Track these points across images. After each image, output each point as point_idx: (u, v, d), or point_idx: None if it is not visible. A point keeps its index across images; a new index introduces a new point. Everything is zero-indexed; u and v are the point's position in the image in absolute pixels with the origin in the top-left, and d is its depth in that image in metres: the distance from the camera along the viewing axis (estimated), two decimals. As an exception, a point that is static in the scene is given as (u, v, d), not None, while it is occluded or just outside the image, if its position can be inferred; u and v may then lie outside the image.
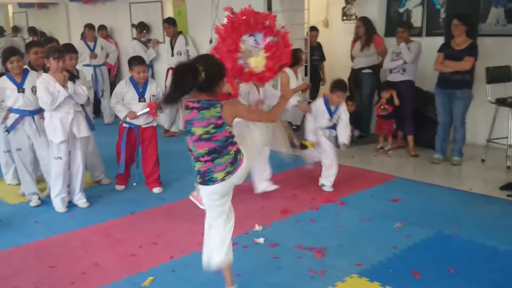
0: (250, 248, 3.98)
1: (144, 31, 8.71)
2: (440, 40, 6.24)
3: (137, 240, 4.18)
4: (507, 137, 5.85)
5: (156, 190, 5.35)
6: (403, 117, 6.56)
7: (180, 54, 7.80)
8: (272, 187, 5.12)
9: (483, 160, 6.08)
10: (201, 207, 4.30)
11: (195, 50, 7.84)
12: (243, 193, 5.24)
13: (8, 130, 4.94)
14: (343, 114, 5.22)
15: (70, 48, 5.28)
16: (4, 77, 4.89)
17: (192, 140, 2.91)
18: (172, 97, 2.84)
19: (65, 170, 4.83)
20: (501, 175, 5.57)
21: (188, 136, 2.95)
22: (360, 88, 7.24)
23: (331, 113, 5.20)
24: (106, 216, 4.73)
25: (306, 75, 7.50)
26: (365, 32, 7.01)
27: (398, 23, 6.96)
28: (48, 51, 4.68)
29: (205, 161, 2.92)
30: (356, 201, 4.92)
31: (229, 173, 2.94)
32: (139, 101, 5.14)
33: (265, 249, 3.95)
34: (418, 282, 3.40)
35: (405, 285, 3.34)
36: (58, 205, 4.88)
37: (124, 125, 5.22)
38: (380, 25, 7.44)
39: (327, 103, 5.20)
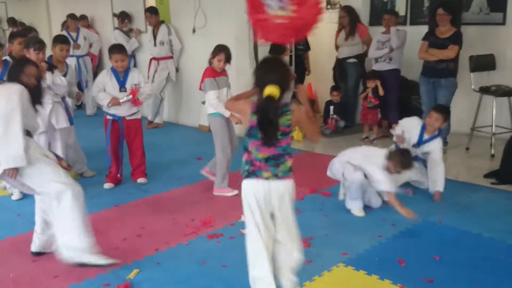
0: (236, 239, 3.95)
1: (126, 21, 8.59)
2: (424, 29, 6.25)
3: (121, 233, 4.14)
4: (491, 126, 5.89)
5: (141, 180, 5.31)
6: (388, 106, 6.57)
7: (163, 43, 7.71)
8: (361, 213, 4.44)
9: (467, 149, 6.12)
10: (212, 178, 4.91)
11: (178, 39, 7.76)
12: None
13: None
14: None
15: (61, 39, 5.18)
16: None
17: (255, 144, 2.75)
18: (272, 135, 2.70)
19: None
20: (486, 163, 5.61)
21: (250, 139, 2.77)
22: (345, 78, 7.24)
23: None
24: (90, 209, 4.60)
25: (291, 65, 7.47)
26: (349, 22, 6.99)
27: (383, 11, 6.95)
28: (28, 42, 4.61)
29: (259, 166, 2.75)
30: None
31: (277, 177, 2.76)
32: (120, 91, 5.04)
33: (251, 239, 3.93)
34: (403, 270, 3.41)
35: (391, 273, 3.34)
36: None
37: (108, 117, 5.14)
38: (364, 14, 7.44)
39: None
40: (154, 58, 7.81)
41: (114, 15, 8.93)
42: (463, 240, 3.86)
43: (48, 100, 4.64)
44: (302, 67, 7.94)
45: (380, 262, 3.53)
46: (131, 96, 5.01)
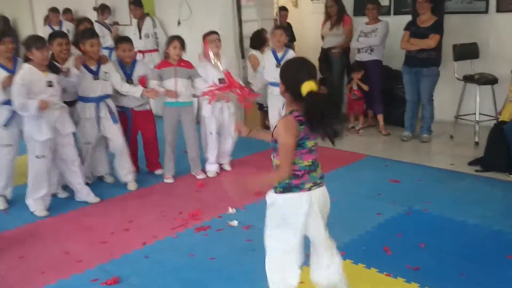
0: (224, 231, 3.97)
1: (106, 13, 8.48)
2: (408, 19, 6.27)
3: (108, 227, 4.13)
4: (475, 113, 5.94)
5: (158, 171, 5.35)
6: (372, 96, 6.60)
7: (148, 36, 7.67)
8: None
9: (451, 137, 6.18)
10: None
11: (163, 32, 7.71)
12: (214, 176, 5.25)
13: (5, 124, 4.48)
14: None
15: (90, 34, 4.85)
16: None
17: (300, 153, 2.55)
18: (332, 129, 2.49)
19: (49, 170, 4.46)
20: (470, 151, 5.67)
21: (296, 150, 2.52)
22: (330, 68, 7.25)
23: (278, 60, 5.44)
24: (77, 204, 4.65)
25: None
26: (337, 11, 7.00)
27: (367, 1, 6.96)
28: (29, 41, 4.22)
29: (302, 176, 2.57)
30: (327, 180, 4.85)
31: (316, 185, 2.63)
32: (127, 83, 5.02)
33: (239, 231, 3.95)
34: (389, 258, 3.44)
35: (377, 262, 3.38)
36: (39, 207, 4.45)
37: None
38: (348, 5, 7.43)
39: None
40: (139, 51, 7.75)
41: (94, 8, 8.81)
42: (448, 227, 3.90)
43: (54, 106, 4.33)
44: (287, 58, 7.92)
45: (366, 251, 3.57)
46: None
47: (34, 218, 4.38)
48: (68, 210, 4.52)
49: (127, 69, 5.03)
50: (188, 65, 5.09)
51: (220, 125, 5.28)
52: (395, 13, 7.12)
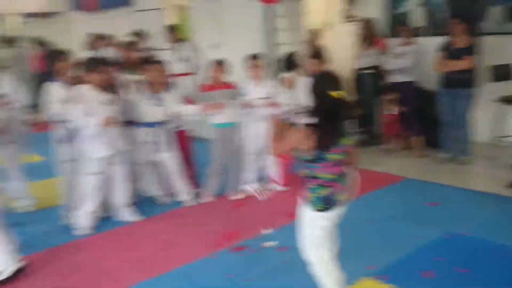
0: (260, 252, 3.98)
1: (138, 39, 8.66)
2: (441, 40, 6.24)
3: (148, 246, 4.20)
4: (512, 135, 5.84)
5: (197, 190, 5.37)
6: (408, 117, 6.55)
7: (184, 60, 7.80)
8: None
9: (490, 158, 6.07)
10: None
11: (198, 56, 7.85)
12: (248, 197, 5.26)
13: (62, 141, 4.66)
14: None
15: (153, 60, 5.04)
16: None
17: (324, 166, 2.75)
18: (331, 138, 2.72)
19: (100, 187, 4.55)
20: (509, 173, 5.54)
21: (317, 163, 2.75)
22: (361, 89, 7.24)
23: None
24: (117, 223, 4.73)
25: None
26: (369, 33, 7.02)
27: (400, 23, 6.98)
28: (87, 64, 4.43)
29: (331, 185, 2.81)
30: (364, 203, 4.88)
31: (343, 190, 2.89)
32: None
33: (275, 253, 3.96)
34: (430, 283, 3.39)
35: (419, 287, 3.32)
36: (83, 224, 4.55)
37: None
38: (383, 27, 7.45)
39: None
40: (175, 75, 7.89)
41: (129, 34, 8.96)
42: (490, 251, 3.82)
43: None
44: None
45: (406, 275, 3.51)
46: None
47: (75, 236, 4.47)
48: (108, 228, 4.61)
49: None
50: (231, 86, 5.19)
51: (259, 146, 5.29)
52: (429, 34, 7.09)
